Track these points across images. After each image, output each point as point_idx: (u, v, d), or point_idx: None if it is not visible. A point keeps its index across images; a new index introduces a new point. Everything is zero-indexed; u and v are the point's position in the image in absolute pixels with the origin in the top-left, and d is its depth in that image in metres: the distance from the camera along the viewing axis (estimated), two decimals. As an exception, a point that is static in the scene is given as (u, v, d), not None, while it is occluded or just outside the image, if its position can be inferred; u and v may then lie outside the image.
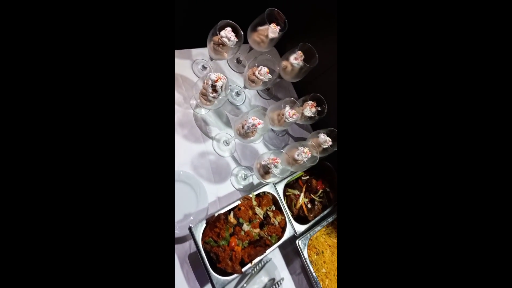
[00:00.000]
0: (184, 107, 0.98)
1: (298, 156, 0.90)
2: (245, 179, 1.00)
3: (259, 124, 0.82)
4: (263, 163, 0.83)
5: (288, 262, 0.99)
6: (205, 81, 0.88)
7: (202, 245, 0.78)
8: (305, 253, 0.97)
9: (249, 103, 1.16)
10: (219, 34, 0.87)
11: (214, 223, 0.79)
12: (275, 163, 0.81)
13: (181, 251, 0.82)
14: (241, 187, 1.00)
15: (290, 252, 1.01)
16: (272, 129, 1.12)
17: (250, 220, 0.86)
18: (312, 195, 1.09)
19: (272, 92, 1.24)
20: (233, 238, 0.81)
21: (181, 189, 0.87)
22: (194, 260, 0.82)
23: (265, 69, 0.93)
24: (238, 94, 1.12)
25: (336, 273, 1.01)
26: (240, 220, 0.83)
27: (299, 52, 0.99)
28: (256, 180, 1.04)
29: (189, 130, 0.96)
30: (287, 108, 0.94)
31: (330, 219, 1.08)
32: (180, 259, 0.81)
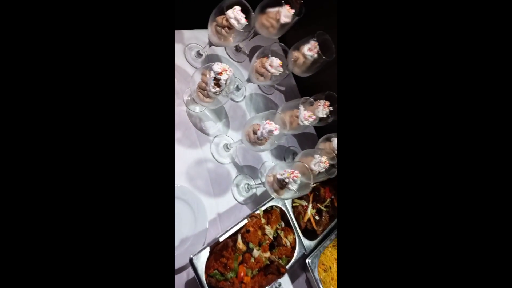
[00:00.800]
0: (176, 103, 0.80)
1: (315, 166, 0.77)
2: (248, 190, 0.86)
3: (276, 130, 0.67)
4: (278, 177, 0.69)
5: (294, 279, 0.89)
6: (205, 73, 0.71)
7: (206, 280, 0.63)
8: (316, 273, 0.86)
9: (250, 99, 1.00)
10: (226, 14, 0.69)
11: (220, 251, 0.65)
12: (294, 178, 0.67)
13: (177, 284, 0.67)
14: (244, 200, 0.85)
15: (297, 268, 0.90)
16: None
17: (259, 242, 0.72)
18: (319, 205, 0.98)
19: (245, 52, 1.04)
20: (241, 268, 0.67)
21: (176, 207, 0.70)
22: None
23: (277, 61, 0.78)
24: (238, 88, 0.95)
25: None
26: (250, 245, 0.69)
27: (315, 42, 0.85)
28: (260, 190, 0.90)
29: (183, 133, 0.79)
30: (302, 109, 0.80)
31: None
32: (177, 295, 0.65)
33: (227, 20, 0.70)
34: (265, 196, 0.91)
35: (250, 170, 0.90)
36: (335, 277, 0.93)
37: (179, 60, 0.84)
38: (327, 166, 0.78)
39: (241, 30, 0.71)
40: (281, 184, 0.70)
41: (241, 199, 0.84)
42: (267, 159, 0.97)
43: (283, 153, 1.02)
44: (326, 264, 0.93)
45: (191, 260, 0.62)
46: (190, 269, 0.68)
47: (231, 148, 0.85)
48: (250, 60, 1.04)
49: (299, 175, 0.67)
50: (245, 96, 0.98)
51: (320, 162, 0.77)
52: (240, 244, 0.67)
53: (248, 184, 0.86)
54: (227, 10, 0.69)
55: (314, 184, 0.95)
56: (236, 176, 0.86)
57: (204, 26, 0.94)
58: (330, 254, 0.96)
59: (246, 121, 0.90)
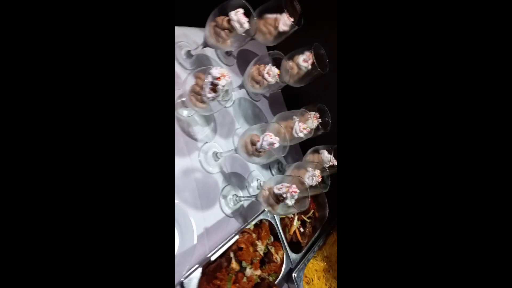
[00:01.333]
0: (164, 106, 0.72)
1: (308, 179, 0.76)
2: (236, 203, 0.81)
3: (276, 143, 0.64)
4: (275, 191, 0.66)
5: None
6: (199, 76, 0.65)
7: (197, 305, 0.57)
8: (301, 287, 0.85)
9: (238, 105, 0.95)
10: (229, 15, 0.64)
11: (213, 272, 0.59)
12: (293, 193, 0.65)
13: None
14: (231, 212, 0.80)
15: (281, 281, 0.88)
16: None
17: (251, 261, 0.68)
18: (303, 216, 0.97)
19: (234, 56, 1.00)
20: (234, 288, 0.62)
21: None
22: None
23: (275, 70, 0.75)
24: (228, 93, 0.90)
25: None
26: (243, 263, 0.65)
27: (310, 53, 0.84)
28: (246, 202, 0.86)
29: (171, 139, 0.71)
30: (297, 120, 0.78)
31: (320, 243, 0.99)
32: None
33: (228, 22, 0.65)
34: (252, 208, 0.87)
35: (237, 180, 0.86)
36: (317, 289, 0.93)
37: (168, 58, 0.77)
38: (320, 180, 0.77)
39: (242, 34, 0.66)
40: (277, 199, 0.67)
41: (228, 211, 0.79)
42: (254, 168, 0.94)
43: (268, 162, 1.00)
44: (308, 277, 0.93)
45: (181, 284, 0.56)
46: (176, 291, 0.62)
47: (220, 157, 0.80)
48: (239, 65, 1.00)
49: (297, 190, 0.65)
50: (234, 101, 0.93)
51: (313, 175, 0.76)
52: (234, 264, 0.63)
53: (237, 196, 0.81)
54: (230, 11, 0.64)
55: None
56: (224, 187, 0.81)
57: (194, 24, 0.88)
58: (311, 266, 0.96)
59: (235, 129, 0.86)
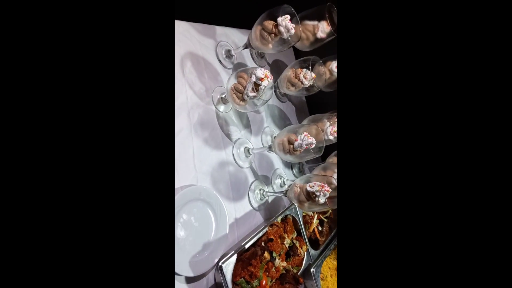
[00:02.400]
0: (206, 102, 0.76)
1: (336, 180, 0.80)
2: (263, 198, 0.86)
3: (312, 145, 0.68)
4: (308, 189, 0.70)
5: None
6: (242, 75, 0.69)
7: (232, 286, 0.61)
8: (319, 282, 0.89)
9: (267, 105, 1.00)
10: (278, 20, 0.68)
11: (248, 259, 0.64)
12: (325, 192, 0.69)
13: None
14: (258, 206, 0.85)
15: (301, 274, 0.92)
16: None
17: (279, 252, 0.73)
18: (321, 216, 1.01)
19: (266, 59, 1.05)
20: (264, 276, 0.66)
21: (201, 210, 0.67)
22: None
23: (311, 74, 0.79)
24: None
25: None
26: (273, 254, 0.69)
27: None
28: (270, 198, 0.90)
29: (210, 133, 0.76)
30: (328, 124, 0.83)
31: (335, 242, 1.03)
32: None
33: (276, 26, 0.69)
34: (275, 204, 0.91)
35: (264, 176, 0.90)
36: (330, 286, 0.97)
37: (211, 56, 0.81)
38: (328, 193, 0.81)
39: (288, 39, 0.71)
40: (309, 196, 0.71)
41: (255, 205, 0.84)
42: (278, 166, 0.98)
43: (296, 162, 1.04)
44: (323, 273, 0.97)
45: (220, 268, 0.60)
46: (209, 276, 0.66)
47: (252, 154, 0.84)
48: (271, 66, 1.04)
49: (330, 189, 0.69)
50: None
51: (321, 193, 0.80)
52: (266, 253, 0.67)
53: (264, 191, 0.85)
54: (278, 17, 0.68)
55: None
56: (252, 182, 0.85)
57: (233, 25, 0.92)
58: (325, 264, 1.00)
59: (264, 127, 0.90)
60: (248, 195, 0.83)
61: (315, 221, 0.95)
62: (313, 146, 0.68)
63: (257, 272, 0.64)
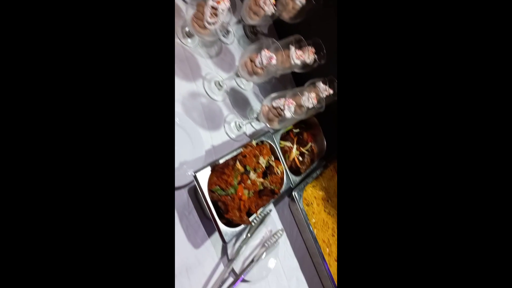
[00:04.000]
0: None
1: (304, 102, 0.83)
2: (239, 128, 0.90)
3: (273, 58, 0.71)
4: (274, 104, 0.74)
5: (280, 213, 0.96)
6: (201, 4, 0.71)
7: (209, 195, 0.66)
8: (301, 203, 0.95)
9: (238, 43, 1.01)
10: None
11: (222, 169, 0.68)
12: (290, 105, 0.72)
13: (177, 201, 0.69)
14: (235, 137, 0.89)
15: (281, 204, 0.98)
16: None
17: (254, 169, 0.77)
18: (302, 148, 1.06)
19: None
20: (240, 187, 0.71)
21: (176, 133, 0.71)
22: (191, 211, 0.70)
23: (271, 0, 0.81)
24: (227, 32, 0.97)
25: (322, 223, 1.04)
26: (247, 167, 0.74)
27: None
28: (249, 131, 0.94)
29: (177, 65, 0.79)
30: (293, 48, 0.85)
31: (318, 172, 1.08)
32: (178, 212, 0.68)
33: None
34: (254, 136, 0.95)
35: (240, 111, 0.94)
36: (316, 211, 1.03)
37: (171, -8, 0.83)
38: (316, 102, 0.85)
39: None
40: (276, 112, 0.75)
41: (233, 136, 0.88)
42: (255, 104, 1.01)
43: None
44: (308, 199, 1.02)
45: (195, 176, 0.65)
46: (190, 190, 0.71)
47: (223, 85, 0.87)
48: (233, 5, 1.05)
49: (293, 102, 0.73)
50: (233, 41, 0.99)
51: (309, 97, 0.83)
52: (239, 165, 0.72)
53: (239, 122, 0.89)
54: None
55: (291, 126, 1.03)
56: (227, 115, 0.89)
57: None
58: (311, 193, 1.05)
59: (236, 66, 0.92)
60: (224, 127, 0.87)
61: (294, 151, 1.00)
62: (274, 61, 0.71)
63: (232, 181, 0.69)
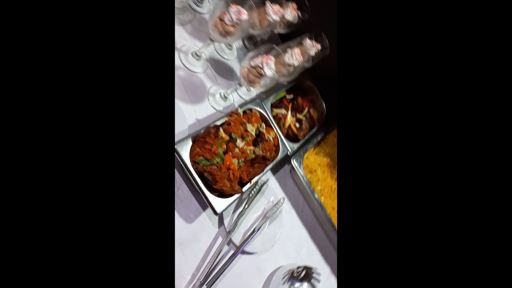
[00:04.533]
0: None
1: (289, 60, 0.77)
2: (225, 98, 0.85)
3: (243, 13, 0.65)
4: (252, 64, 0.68)
5: (282, 183, 0.92)
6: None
7: (193, 166, 0.63)
8: (301, 170, 0.89)
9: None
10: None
11: (203, 138, 0.64)
12: (268, 61, 0.66)
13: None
14: (222, 109, 0.84)
15: (282, 174, 0.93)
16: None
17: (242, 137, 0.73)
18: (298, 115, 0.99)
19: None
20: (227, 156, 0.67)
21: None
22: (180, 186, 0.67)
23: None
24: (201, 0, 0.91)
25: (330, 190, 0.98)
26: (233, 135, 0.69)
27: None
28: (237, 101, 0.89)
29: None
30: (269, 4, 0.78)
31: (319, 137, 1.01)
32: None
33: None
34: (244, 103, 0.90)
35: (225, 82, 0.89)
36: (321, 178, 0.97)
37: None
38: (301, 58, 0.78)
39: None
40: (256, 72, 0.69)
41: (219, 108, 0.83)
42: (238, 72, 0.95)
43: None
44: (310, 167, 0.97)
45: (175, 148, 0.61)
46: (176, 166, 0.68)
47: (201, 55, 0.82)
48: None
49: (272, 57, 0.67)
50: (210, 7, 0.93)
51: (293, 54, 0.76)
52: (223, 134, 0.67)
53: (224, 92, 0.84)
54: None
55: (284, 92, 0.97)
56: (211, 86, 0.84)
57: None
58: (313, 160, 0.99)
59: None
60: (208, 99, 0.83)
61: (289, 117, 0.94)
62: (244, 16, 0.65)
63: (216, 150, 0.65)
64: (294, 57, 0.77)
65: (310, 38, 0.88)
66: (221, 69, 0.89)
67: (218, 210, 0.63)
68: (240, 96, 0.90)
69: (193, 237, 0.65)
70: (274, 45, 0.74)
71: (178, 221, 0.64)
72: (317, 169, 0.98)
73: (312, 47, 0.87)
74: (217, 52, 0.90)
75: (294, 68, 0.79)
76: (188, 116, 0.75)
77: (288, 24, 0.91)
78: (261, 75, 0.69)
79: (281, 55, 0.78)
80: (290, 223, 0.88)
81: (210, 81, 0.85)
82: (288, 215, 0.89)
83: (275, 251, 0.79)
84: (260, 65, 0.67)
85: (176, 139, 0.69)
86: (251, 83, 0.72)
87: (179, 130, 0.71)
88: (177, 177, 0.68)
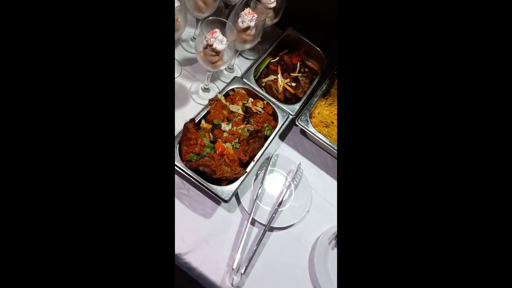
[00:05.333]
0: None
1: (243, 23, 0.71)
2: (207, 90, 0.84)
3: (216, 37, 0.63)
4: (203, 43, 0.65)
5: (299, 149, 0.86)
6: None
7: (186, 165, 0.64)
8: (311, 128, 0.82)
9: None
10: None
11: (185, 136, 0.65)
12: (214, 35, 0.63)
13: (174, 190, 0.69)
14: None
15: (298, 139, 0.87)
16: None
17: (228, 119, 0.71)
18: (292, 74, 0.92)
19: None
20: (218, 143, 0.66)
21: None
22: (189, 188, 0.69)
23: None
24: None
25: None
26: (215, 121, 0.68)
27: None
28: (222, 87, 0.87)
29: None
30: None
31: (324, 87, 0.91)
32: (176, 194, 0.67)
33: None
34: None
35: (203, 76, 0.88)
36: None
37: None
38: (255, 16, 0.71)
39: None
40: (211, 51, 0.66)
41: (204, 102, 0.83)
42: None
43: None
44: (326, 121, 0.88)
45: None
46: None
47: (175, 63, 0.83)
48: None
49: (216, 30, 0.63)
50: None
51: (243, 17, 0.71)
52: (204, 124, 0.66)
53: (204, 85, 0.83)
54: None
55: (270, 58, 0.90)
56: (191, 85, 0.84)
57: None
58: (329, 113, 0.90)
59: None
60: (192, 98, 0.83)
61: (280, 81, 0.87)
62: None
63: (202, 142, 0.64)
64: (246, 17, 0.71)
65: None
66: (195, 65, 0.88)
67: (226, 198, 0.63)
68: (223, 82, 0.88)
69: (218, 230, 0.66)
70: (211, 17, 0.70)
71: (197, 219, 0.66)
72: (334, 121, 0.89)
73: (271, 2, 0.79)
74: (186, 51, 0.90)
75: (256, 29, 0.74)
76: (177, 121, 0.76)
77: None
78: (217, 53, 0.66)
79: (237, 23, 0.73)
80: (322, 185, 0.81)
81: (190, 81, 0.85)
82: (317, 178, 0.82)
83: (312, 219, 0.75)
84: (210, 42, 0.64)
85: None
86: (214, 64, 0.69)
87: (171, 137, 0.73)
88: (184, 182, 0.69)
